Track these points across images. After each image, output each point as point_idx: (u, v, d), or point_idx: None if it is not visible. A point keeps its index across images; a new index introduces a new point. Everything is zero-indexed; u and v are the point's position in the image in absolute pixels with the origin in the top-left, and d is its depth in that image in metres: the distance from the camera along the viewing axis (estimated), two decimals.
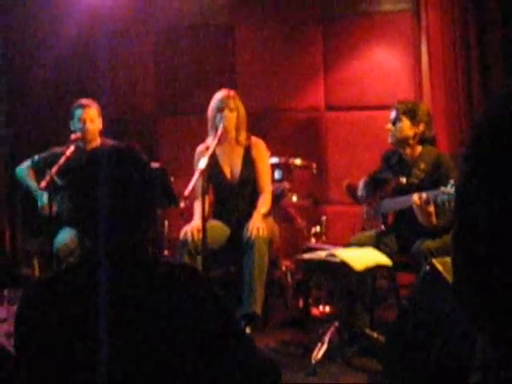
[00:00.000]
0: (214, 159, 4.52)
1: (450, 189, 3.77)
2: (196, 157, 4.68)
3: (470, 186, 1.40)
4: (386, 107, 5.70)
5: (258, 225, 4.42)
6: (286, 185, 5.13)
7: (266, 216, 4.60)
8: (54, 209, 4.69)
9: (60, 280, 1.78)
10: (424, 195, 3.94)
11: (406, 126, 4.28)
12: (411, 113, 4.26)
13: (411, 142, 4.31)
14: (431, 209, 3.93)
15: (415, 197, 3.97)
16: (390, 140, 4.38)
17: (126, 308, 1.69)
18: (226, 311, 1.77)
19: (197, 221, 4.54)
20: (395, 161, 4.46)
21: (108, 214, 1.71)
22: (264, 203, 4.64)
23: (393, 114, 4.35)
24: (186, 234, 4.43)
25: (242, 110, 4.68)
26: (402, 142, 4.33)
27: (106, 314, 1.66)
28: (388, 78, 5.97)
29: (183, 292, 1.72)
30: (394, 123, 4.33)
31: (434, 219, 3.96)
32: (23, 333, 1.74)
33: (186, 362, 1.69)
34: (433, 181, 4.07)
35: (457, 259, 1.44)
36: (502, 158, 1.35)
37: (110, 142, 4.91)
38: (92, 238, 1.77)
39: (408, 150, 4.35)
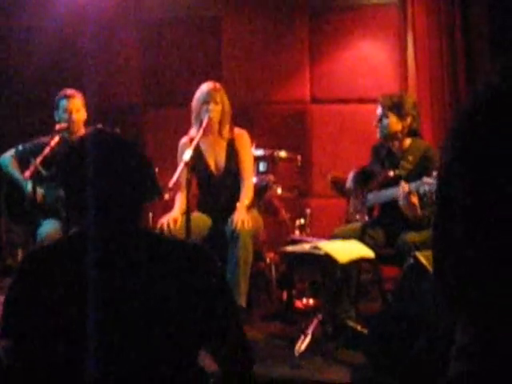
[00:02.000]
0: (198, 151, 4.51)
1: (431, 180, 3.77)
2: (179, 149, 4.65)
3: (451, 171, 1.42)
4: (371, 100, 5.71)
5: (243, 217, 4.39)
6: (271, 177, 5.11)
7: (249, 208, 4.59)
8: (38, 199, 4.66)
9: (58, 249, 1.82)
10: (407, 186, 3.95)
11: (393, 122, 4.29)
12: (397, 108, 4.26)
13: (400, 135, 4.32)
14: (415, 199, 3.93)
15: (402, 184, 3.97)
16: (378, 135, 4.38)
17: (125, 281, 1.75)
18: (227, 289, 1.90)
19: (175, 212, 4.55)
20: (384, 154, 4.48)
21: (105, 197, 1.77)
22: (246, 194, 4.61)
23: (379, 111, 4.35)
24: (162, 225, 4.43)
25: (227, 103, 4.66)
26: (391, 136, 4.34)
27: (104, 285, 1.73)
28: (374, 71, 5.98)
29: (189, 265, 1.80)
30: (380, 119, 4.33)
31: (418, 211, 3.96)
32: (16, 302, 1.76)
33: (184, 335, 1.76)
34: (420, 173, 4.07)
35: (436, 242, 1.46)
36: (481, 144, 1.37)
37: None
38: (83, 222, 1.79)
39: (397, 144, 4.37)
